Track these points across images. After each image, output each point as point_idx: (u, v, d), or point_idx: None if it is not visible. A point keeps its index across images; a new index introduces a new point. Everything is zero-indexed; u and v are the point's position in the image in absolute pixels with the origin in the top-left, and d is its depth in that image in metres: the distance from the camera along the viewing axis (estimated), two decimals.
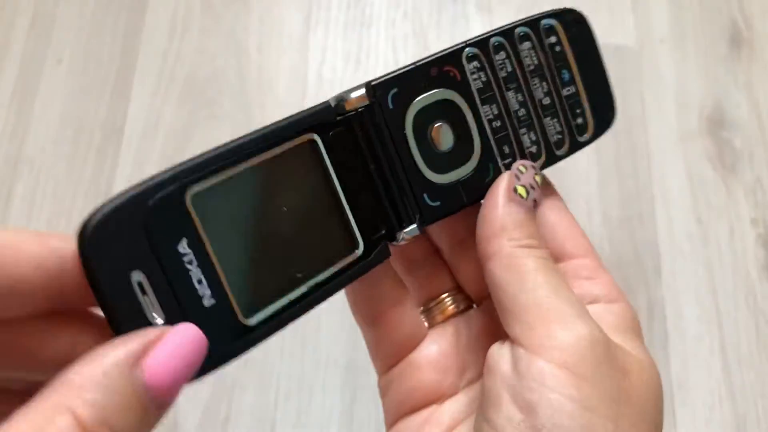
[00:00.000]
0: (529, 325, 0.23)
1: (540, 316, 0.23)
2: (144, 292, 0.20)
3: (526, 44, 0.29)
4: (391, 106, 0.26)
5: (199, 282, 0.21)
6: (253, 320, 0.23)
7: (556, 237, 0.28)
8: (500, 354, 0.24)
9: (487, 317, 0.30)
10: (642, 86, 0.68)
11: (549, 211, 0.28)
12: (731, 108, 0.68)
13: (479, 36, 0.28)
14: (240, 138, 0.23)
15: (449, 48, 0.27)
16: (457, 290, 0.31)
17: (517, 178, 0.26)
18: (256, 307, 0.23)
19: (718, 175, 0.65)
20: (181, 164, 0.22)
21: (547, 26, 0.29)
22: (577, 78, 0.29)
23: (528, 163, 0.27)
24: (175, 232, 0.21)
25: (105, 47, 0.70)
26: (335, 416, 0.57)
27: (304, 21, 0.71)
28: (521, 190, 0.26)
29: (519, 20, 0.29)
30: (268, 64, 0.69)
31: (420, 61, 0.27)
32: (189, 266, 0.21)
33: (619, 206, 0.64)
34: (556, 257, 0.28)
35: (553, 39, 0.29)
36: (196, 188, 0.22)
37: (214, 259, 0.22)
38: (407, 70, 0.26)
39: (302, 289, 0.24)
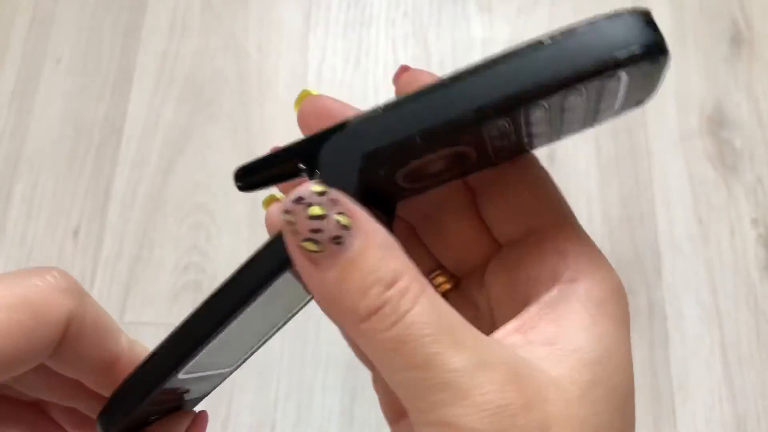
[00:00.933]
0: None
1: (415, 416, 0.18)
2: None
3: (574, 96, 0.19)
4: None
5: (189, 395, 0.24)
6: None
7: (520, 213, 0.22)
8: None
9: (465, 302, 0.25)
10: None
11: (502, 181, 0.22)
12: (732, 108, 0.68)
13: (515, 95, 0.18)
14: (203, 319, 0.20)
15: (465, 120, 0.18)
16: (441, 269, 0.26)
17: (295, 232, 0.18)
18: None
19: (718, 175, 0.65)
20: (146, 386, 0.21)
21: (612, 76, 0.18)
22: (621, 99, 0.20)
23: (289, 202, 0.18)
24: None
25: (104, 47, 0.70)
26: (335, 416, 0.57)
27: (303, 21, 0.71)
28: (310, 246, 0.18)
29: (580, 68, 0.17)
30: (268, 64, 0.69)
31: (426, 145, 0.19)
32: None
33: (620, 206, 0.64)
34: (517, 237, 0.23)
35: (613, 84, 0.19)
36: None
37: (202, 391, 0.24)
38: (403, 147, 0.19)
39: (267, 338, 0.25)
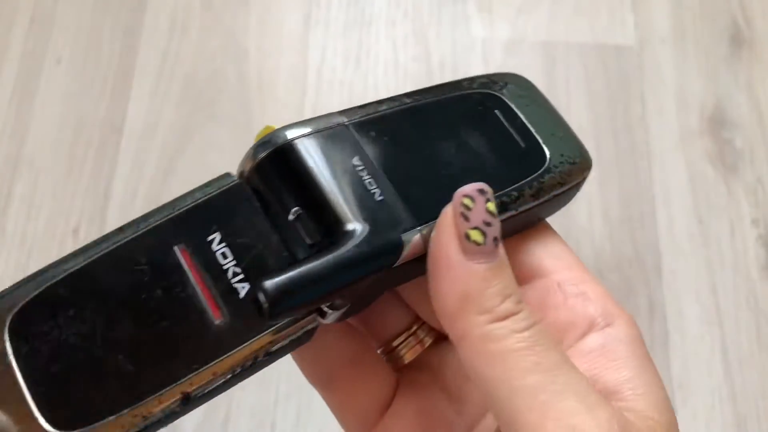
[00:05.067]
0: None
1: (541, 425, 0.17)
2: None
3: None
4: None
5: None
6: None
7: (529, 256, 0.22)
8: None
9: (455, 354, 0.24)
10: (643, 86, 0.68)
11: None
12: (732, 108, 0.68)
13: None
14: None
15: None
16: (420, 322, 0.25)
17: (465, 218, 0.19)
18: None
19: (718, 175, 0.65)
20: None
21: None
22: None
23: (473, 188, 0.19)
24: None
25: (104, 47, 0.69)
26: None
27: (303, 20, 0.71)
28: (476, 235, 0.18)
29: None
30: (268, 64, 0.69)
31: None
32: None
33: (620, 206, 0.64)
34: (533, 276, 0.22)
35: None
36: None
37: None
38: None
39: None
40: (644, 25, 0.71)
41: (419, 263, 0.20)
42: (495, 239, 0.19)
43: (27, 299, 0.20)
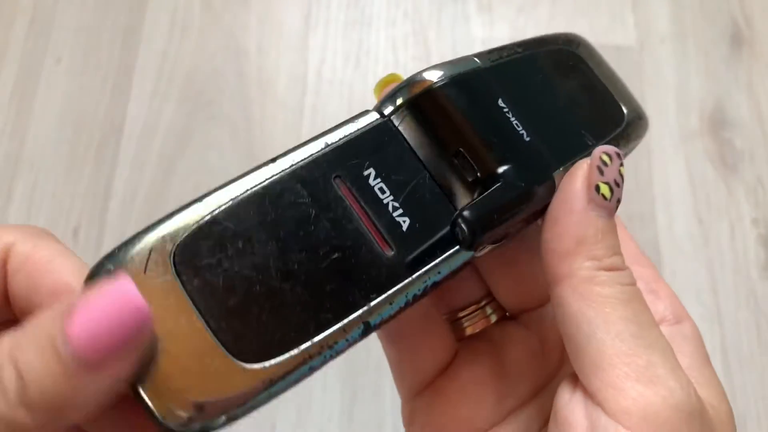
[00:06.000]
0: (613, 383, 0.19)
1: (626, 372, 0.19)
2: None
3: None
4: None
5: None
6: None
7: None
8: (572, 409, 0.20)
9: (527, 334, 0.25)
10: (642, 86, 0.68)
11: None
12: (732, 107, 0.68)
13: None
14: None
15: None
16: (490, 298, 0.26)
17: (600, 171, 0.20)
18: None
19: (718, 175, 0.65)
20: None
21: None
22: None
23: (613, 150, 0.21)
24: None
25: (104, 46, 0.70)
26: (335, 416, 0.57)
27: (303, 20, 0.71)
28: (605, 189, 0.20)
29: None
30: (268, 64, 0.69)
31: None
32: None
33: (620, 206, 0.64)
34: None
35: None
36: None
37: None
38: None
39: None
40: (644, 25, 0.71)
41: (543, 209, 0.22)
42: (618, 200, 0.21)
43: (189, 231, 0.19)
